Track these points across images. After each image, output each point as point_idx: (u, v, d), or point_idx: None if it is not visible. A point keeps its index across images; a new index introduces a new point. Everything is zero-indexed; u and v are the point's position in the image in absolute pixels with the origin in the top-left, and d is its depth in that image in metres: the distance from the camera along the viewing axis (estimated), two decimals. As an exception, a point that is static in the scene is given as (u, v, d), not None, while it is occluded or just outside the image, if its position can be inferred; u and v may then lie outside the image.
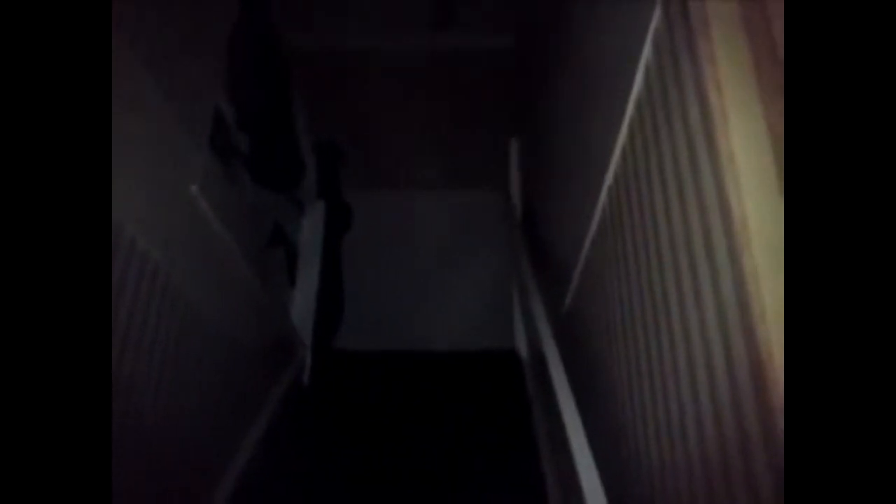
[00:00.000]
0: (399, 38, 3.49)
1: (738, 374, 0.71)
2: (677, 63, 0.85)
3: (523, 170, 3.03)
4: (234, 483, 1.92)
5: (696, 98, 0.79)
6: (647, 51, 0.98)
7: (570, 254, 1.66)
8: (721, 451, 0.77)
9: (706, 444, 0.82)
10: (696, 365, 0.85)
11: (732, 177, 0.68)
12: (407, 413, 2.46)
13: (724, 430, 0.76)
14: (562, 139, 1.82)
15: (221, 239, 1.75)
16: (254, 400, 2.24)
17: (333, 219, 3.18)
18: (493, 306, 3.11)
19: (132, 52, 1.25)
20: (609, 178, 1.26)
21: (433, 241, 3.35)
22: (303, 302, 2.89)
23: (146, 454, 1.39)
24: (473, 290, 3.23)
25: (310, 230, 3.08)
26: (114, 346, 1.19)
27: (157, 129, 1.39)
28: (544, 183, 2.21)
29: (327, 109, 3.24)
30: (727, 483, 0.76)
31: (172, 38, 1.47)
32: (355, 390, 2.66)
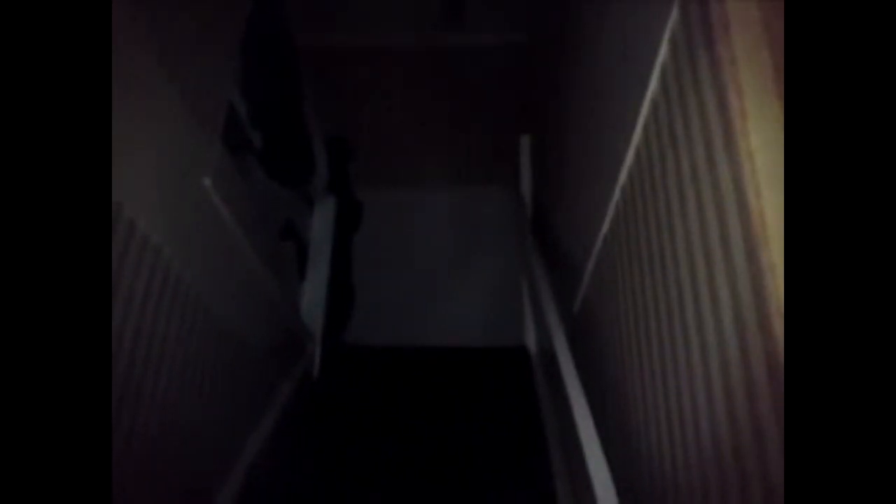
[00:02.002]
0: (408, 36, 3.50)
1: (753, 368, 0.72)
2: (695, 64, 0.86)
3: (534, 167, 3.03)
4: (242, 479, 1.93)
5: (714, 99, 0.79)
6: (663, 51, 0.99)
7: (583, 251, 1.66)
8: (735, 447, 0.78)
9: (719, 438, 0.83)
10: (710, 360, 0.86)
11: (751, 175, 0.70)
12: (416, 408, 2.47)
13: (739, 425, 0.77)
14: (574, 137, 1.83)
15: (233, 233, 1.76)
16: (263, 395, 2.25)
17: (344, 215, 3.19)
18: (503, 303, 3.11)
19: (145, 48, 1.26)
20: (623, 176, 1.27)
21: (443, 238, 3.36)
22: (313, 297, 2.90)
23: (152, 452, 1.39)
24: (483, 287, 3.23)
25: (320, 225, 3.08)
26: (122, 340, 1.20)
27: (169, 124, 1.40)
28: (556, 180, 2.21)
29: (337, 107, 3.25)
30: (741, 476, 0.76)
31: (186, 35, 1.48)
32: (365, 385, 2.67)
